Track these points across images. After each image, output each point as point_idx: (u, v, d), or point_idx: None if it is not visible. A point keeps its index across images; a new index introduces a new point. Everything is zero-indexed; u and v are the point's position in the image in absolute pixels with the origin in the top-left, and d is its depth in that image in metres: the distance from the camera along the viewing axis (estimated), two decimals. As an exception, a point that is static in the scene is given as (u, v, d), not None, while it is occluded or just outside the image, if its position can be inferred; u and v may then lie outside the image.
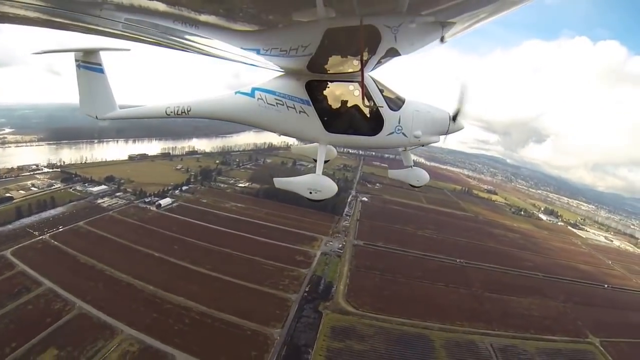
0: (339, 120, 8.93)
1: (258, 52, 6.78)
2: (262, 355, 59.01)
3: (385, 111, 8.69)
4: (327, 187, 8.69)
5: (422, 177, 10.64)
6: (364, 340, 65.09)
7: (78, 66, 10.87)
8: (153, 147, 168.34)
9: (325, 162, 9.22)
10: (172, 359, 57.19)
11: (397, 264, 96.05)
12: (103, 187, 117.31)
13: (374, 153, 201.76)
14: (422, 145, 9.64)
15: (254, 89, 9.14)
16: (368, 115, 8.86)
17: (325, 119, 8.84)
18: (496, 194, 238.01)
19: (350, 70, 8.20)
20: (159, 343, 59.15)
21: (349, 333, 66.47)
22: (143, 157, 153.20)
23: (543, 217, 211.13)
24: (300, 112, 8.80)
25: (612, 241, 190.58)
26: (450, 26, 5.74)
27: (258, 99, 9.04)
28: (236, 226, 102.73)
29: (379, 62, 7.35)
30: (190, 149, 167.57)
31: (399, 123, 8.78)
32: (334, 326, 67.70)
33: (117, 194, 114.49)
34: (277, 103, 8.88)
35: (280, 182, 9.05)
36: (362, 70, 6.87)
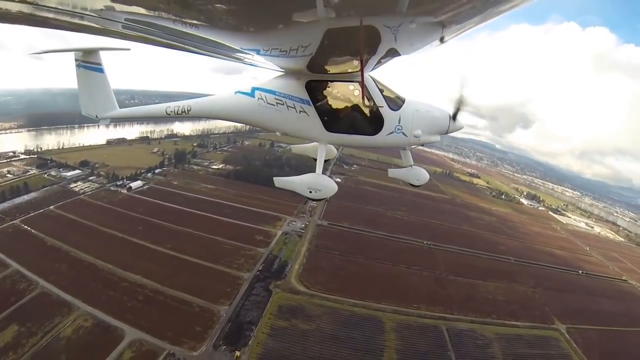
0: (339, 120, 9.00)
1: (258, 52, 6.77)
2: (206, 331, 61.50)
3: (385, 111, 8.75)
4: (327, 186, 8.81)
5: (421, 176, 10.65)
6: (310, 320, 66.45)
7: (78, 66, 10.89)
8: (133, 131, 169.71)
9: (326, 161, 9.28)
10: (122, 333, 60.34)
11: (359, 244, 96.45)
12: (77, 171, 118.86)
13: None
14: (422, 145, 9.74)
15: (254, 89, 9.19)
16: (368, 115, 8.92)
17: (325, 118, 8.88)
18: (479, 177, 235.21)
19: (350, 70, 8.21)
20: (111, 318, 61.85)
21: (296, 312, 68.12)
22: (121, 141, 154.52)
23: (524, 201, 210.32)
24: (300, 111, 8.83)
25: (592, 227, 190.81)
26: (451, 26, 5.67)
27: (258, 98, 9.07)
28: (202, 207, 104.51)
29: (379, 62, 7.39)
30: (170, 133, 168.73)
31: (399, 123, 8.83)
32: (282, 305, 69.37)
33: (90, 178, 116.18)
34: (277, 103, 8.92)
35: (280, 181, 9.13)
36: (362, 70, 6.89)
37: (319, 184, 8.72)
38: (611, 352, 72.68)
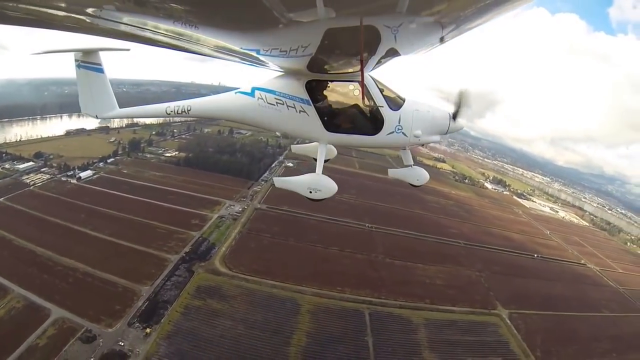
0: (339, 119, 9.09)
1: (258, 52, 6.79)
2: (124, 310, 66.38)
3: (385, 111, 8.80)
4: (327, 186, 8.97)
5: (422, 176, 10.74)
6: (225, 300, 69.78)
7: (78, 66, 11.00)
8: (94, 121, 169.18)
9: (326, 161, 9.43)
10: (48, 313, 64.79)
11: (294, 227, 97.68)
12: (30, 163, 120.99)
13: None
14: (422, 145, 9.93)
15: (254, 89, 9.30)
16: (368, 115, 8.98)
17: (325, 118, 8.96)
18: (444, 161, 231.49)
19: (350, 70, 8.27)
20: (41, 300, 66.55)
21: (213, 292, 71.72)
22: (80, 131, 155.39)
23: (489, 185, 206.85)
24: (300, 111, 8.89)
25: (557, 212, 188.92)
26: (450, 26, 5.74)
27: (258, 98, 9.16)
28: (147, 194, 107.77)
29: (379, 62, 7.44)
30: (130, 122, 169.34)
31: (399, 122, 8.86)
32: (200, 285, 73.23)
33: (43, 169, 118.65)
34: (277, 103, 8.98)
35: (281, 181, 9.31)
36: (362, 70, 6.87)
37: (319, 184, 8.91)
38: (555, 338, 72.74)
